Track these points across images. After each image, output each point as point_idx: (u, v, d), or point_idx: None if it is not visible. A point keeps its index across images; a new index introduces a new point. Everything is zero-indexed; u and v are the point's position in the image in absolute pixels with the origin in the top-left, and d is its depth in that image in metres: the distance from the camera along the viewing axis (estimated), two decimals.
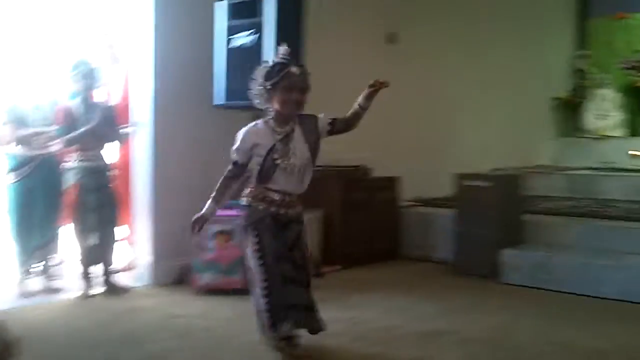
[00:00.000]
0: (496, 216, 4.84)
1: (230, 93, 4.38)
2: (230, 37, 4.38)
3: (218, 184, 2.88)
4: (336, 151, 5.48)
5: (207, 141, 4.74)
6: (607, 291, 4.29)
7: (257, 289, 2.76)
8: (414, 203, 5.98)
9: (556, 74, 8.50)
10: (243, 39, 4.35)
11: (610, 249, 4.72)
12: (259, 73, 2.80)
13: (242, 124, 4.45)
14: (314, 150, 2.83)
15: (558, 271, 4.53)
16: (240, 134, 2.83)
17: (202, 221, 2.86)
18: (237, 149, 2.82)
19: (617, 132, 7.92)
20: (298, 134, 2.79)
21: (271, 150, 2.73)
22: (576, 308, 4.11)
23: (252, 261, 2.79)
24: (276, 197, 2.79)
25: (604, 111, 8.04)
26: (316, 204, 5.12)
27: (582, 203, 6.12)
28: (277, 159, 2.74)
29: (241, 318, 3.77)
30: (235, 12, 4.39)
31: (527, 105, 7.86)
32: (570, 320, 3.84)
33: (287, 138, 2.76)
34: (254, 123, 2.86)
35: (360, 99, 2.89)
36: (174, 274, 4.58)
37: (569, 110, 8.39)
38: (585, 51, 8.58)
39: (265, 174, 2.77)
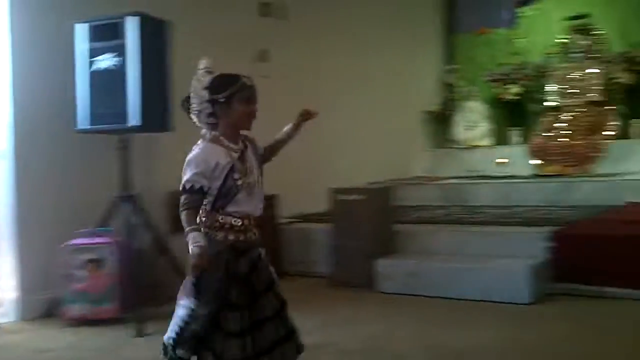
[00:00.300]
0: (369, 228, 4.99)
1: (94, 117, 4.27)
2: (92, 59, 4.28)
3: (186, 219, 2.38)
4: None
5: (71, 168, 4.60)
6: (472, 293, 4.51)
7: (182, 309, 2.49)
8: (293, 219, 6.05)
9: (427, 88, 8.89)
10: (106, 61, 4.26)
11: (476, 253, 4.97)
12: (201, 85, 2.49)
13: (108, 148, 4.40)
14: (261, 170, 2.62)
15: (428, 277, 4.71)
16: (195, 157, 2.44)
17: (207, 255, 2.34)
18: (198, 173, 2.39)
19: (485, 142, 8.38)
20: (250, 151, 2.57)
21: (231, 169, 2.45)
22: (445, 312, 4.30)
23: (188, 291, 2.48)
24: (237, 222, 2.47)
25: (472, 122, 8.49)
26: None
27: (452, 211, 6.42)
28: (238, 178, 2.45)
29: (112, 347, 3.68)
30: (96, 34, 4.29)
31: (401, 119, 8.18)
32: (440, 324, 4.01)
33: (243, 155, 2.52)
34: (202, 143, 2.51)
35: (287, 128, 2.75)
36: (43, 307, 4.38)
37: (440, 123, 8.80)
38: (453, 65, 9.04)
39: (224, 197, 2.44)
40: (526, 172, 7.54)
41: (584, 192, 6.46)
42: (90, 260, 4.16)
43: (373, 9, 7.74)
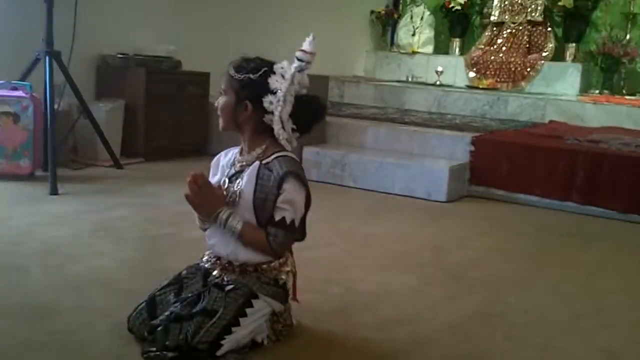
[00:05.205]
0: None
1: None
2: None
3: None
4: (143, 40, 5.30)
5: None
6: (394, 187, 4.62)
7: None
8: None
9: None
10: None
11: (402, 150, 5.06)
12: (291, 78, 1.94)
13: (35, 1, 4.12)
14: (257, 211, 2.00)
15: (353, 168, 4.78)
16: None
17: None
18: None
19: (426, 49, 8.38)
20: (251, 174, 1.98)
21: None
22: (364, 201, 4.39)
23: None
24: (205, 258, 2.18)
25: (416, 28, 8.43)
26: (118, 93, 4.94)
27: (385, 111, 6.48)
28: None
29: (26, 202, 3.61)
30: None
31: (347, 17, 8.06)
32: (356, 211, 4.12)
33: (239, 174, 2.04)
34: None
35: None
36: None
37: (385, 25, 8.71)
38: None
39: None
40: (461, 82, 7.64)
41: (513, 107, 6.62)
42: (5, 113, 3.99)
43: None
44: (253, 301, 1.94)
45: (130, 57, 5.06)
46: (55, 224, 3.24)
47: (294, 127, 1.97)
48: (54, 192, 3.79)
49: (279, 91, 1.91)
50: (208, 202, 1.95)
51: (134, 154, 5.01)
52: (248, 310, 1.92)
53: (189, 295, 1.97)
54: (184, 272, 2.09)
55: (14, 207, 3.50)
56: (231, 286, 1.94)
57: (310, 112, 2.00)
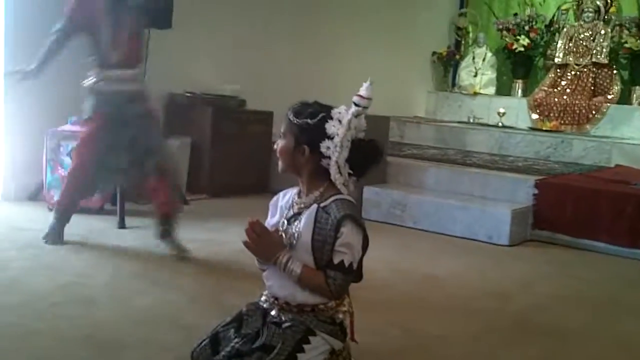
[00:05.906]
0: None
1: None
2: None
3: None
4: (209, 79, 5.47)
5: (67, 58, 4.55)
6: (454, 229, 4.58)
7: None
8: None
9: (438, 29, 8.77)
10: None
11: (463, 192, 5.00)
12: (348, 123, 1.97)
13: None
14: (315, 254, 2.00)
15: (414, 209, 4.77)
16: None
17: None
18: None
19: (487, 90, 8.33)
20: (308, 218, 1.99)
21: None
22: (425, 242, 4.36)
23: None
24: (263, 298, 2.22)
25: (478, 69, 8.41)
26: (185, 131, 5.09)
27: (446, 152, 6.45)
28: None
29: (94, 235, 3.74)
30: None
31: (409, 58, 8.11)
32: (417, 252, 4.09)
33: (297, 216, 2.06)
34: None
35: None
36: (30, 189, 4.42)
37: (447, 66, 8.73)
38: (466, 9, 8.90)
39: None
40: (524, 124, 7.55)
41: (577, 150, 6.49)
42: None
43: None
44: (310, 337, 1.96)
45: (197, 96, 5.24)
46: (123, 257, 3.35)
47: (351, 171, 2.00)
48: (122, 225, 3.91)
49: (336, 136, 1.94)
50: (266, 247, 2.00)
51: (198, 190, 5.13)
52: (305, 347, 1.93)
53: (249, 332, 2.00)
54: (244, 309, 2.13)
55: (84, 239, 3.63)
56: (288, 324, 1.97)
57: (367, 156, 2.01)
